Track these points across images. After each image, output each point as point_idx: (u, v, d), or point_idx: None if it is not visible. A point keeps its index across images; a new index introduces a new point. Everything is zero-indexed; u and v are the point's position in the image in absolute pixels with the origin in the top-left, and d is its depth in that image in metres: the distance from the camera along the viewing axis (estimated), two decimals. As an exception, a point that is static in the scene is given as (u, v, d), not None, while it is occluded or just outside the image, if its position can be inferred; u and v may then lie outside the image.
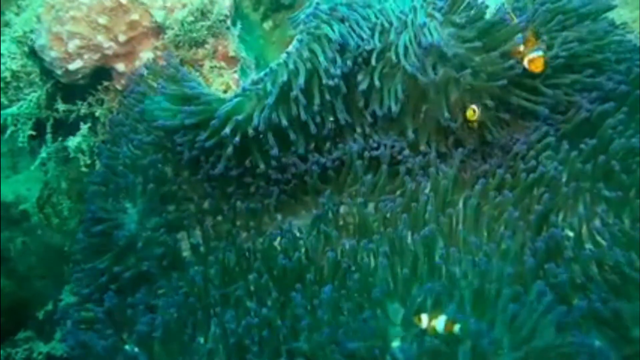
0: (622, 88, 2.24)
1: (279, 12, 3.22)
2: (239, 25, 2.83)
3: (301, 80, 2.17)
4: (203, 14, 2.63)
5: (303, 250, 2.09)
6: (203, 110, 2.23)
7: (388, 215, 2.15)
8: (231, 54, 2.75)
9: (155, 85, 2.45)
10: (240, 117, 2.17)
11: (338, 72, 2.22)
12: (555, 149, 2.19)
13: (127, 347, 2.04)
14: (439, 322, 1.66)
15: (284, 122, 2.18)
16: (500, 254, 1.90)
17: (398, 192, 2.25)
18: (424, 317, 1.68)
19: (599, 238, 1.94)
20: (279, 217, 2.34)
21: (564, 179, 2.11)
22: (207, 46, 2.70)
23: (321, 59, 2.21)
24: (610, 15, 2.38)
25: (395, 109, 2.25)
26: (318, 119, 2.24)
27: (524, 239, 1.98)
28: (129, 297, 2.17)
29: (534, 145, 2.21)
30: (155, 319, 2.02)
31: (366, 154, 2.31)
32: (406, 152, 2.31)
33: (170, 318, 2.02)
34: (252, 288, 2.03)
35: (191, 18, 2.57)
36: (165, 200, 2.36)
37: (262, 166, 2.26)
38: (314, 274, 2.00)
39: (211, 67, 2.73)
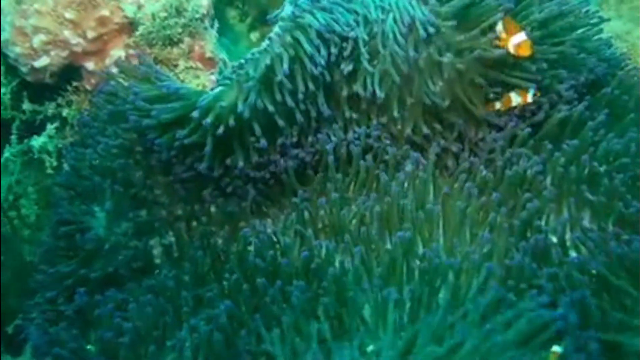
0: (607, 91, 2.25)
1: (267, 25, 3.16)
2: (216, 25, 2.74)
3: (285, 65, 2.09)
4: (178, 11, 2.54)
5: (278, 251, 2.01)
6: (182, 106, 2.12)
7: (367, 213, 2.06)
8: (208, 54, 2.67)
9: (126, 84, 2.33)
10: (224, 103, 2.07)
11: (322, 61, 2.16)
12: (535, 147, 2.15)
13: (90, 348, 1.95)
14: None
15: (271, 108, 2.09)
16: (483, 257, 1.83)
17: (376, 189, 2.18)
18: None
19: (583, 248, 1.88)
20: (256, 220, 2.25)
21: (548, 180, 2.06)
22: (182, 45, 2.61)
23: (305, 45, 2.13)
24: (603, 28, 2.37)
25: (380, 93, 2.20)
26: (303, 107, 2.17)
27: (507, 243, 1.90)
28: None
29: (515, 133, 2.17)
30: (124, 324, 1.91)
31: (343, 150, 2.24)
32: (387, 141, 2.25)
33: (139, 323, 1.91)
34: (225, 291, 1.95)
35: (164, 13, 2.48)
36: (136, 205, 2.27)
37: (241, 163, 2.15)
38: (288, 274, 1.90)
39: (186, 68, 2.66)
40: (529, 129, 2.17)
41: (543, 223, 1.98)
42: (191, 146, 2.12)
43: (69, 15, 2.42)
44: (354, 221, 2.06)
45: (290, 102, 2.11)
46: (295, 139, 2.21)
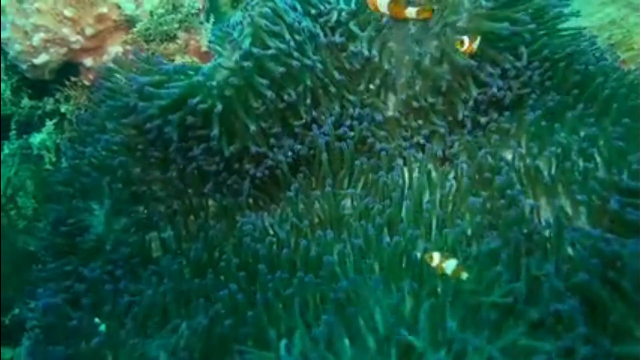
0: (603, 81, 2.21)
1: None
2: (212, 19, 2.76)
3: (268, 9, 2.18)
4: (174, 7, 2.56)
5: (275, 240, 2.05)
6: (189, 78, 2.18)
7: (363, 209, 2.09)
8: (204, 49, 2.68)
9: (124, 80, 2.36)
10: (224, 65, 2.15)
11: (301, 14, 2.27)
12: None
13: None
14: (449, 265, 1.65)
15: (269, 51, 2.16)
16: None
17: (371, 183, 2.21)
18: (436, 256, 1.67)
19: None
20: (252, 214, 2.28)
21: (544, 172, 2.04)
22: (178, 41, 2.63)
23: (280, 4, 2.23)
24: (599, 14, 2.38)
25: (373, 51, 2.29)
26: (296, 54, 2.22)
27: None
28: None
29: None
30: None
31: (337, 144, 2.27)
32: (383, 132, 2.31)
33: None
34: (222, 280, 1.98)
35: (161, 10, 2.49)
36: (135, 201, 2.28)
37: (253, 127, 2.19)
38: (284, 264, 1.95)
39: (183, 63, 2.66)
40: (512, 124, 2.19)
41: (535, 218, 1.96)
42: (200, 133, 2.16)
43: (68, 13, 2.44)
44: (351, 217, 2.09)
45: (282, 45, 2.17)
46: (295, 98, 2.24)
